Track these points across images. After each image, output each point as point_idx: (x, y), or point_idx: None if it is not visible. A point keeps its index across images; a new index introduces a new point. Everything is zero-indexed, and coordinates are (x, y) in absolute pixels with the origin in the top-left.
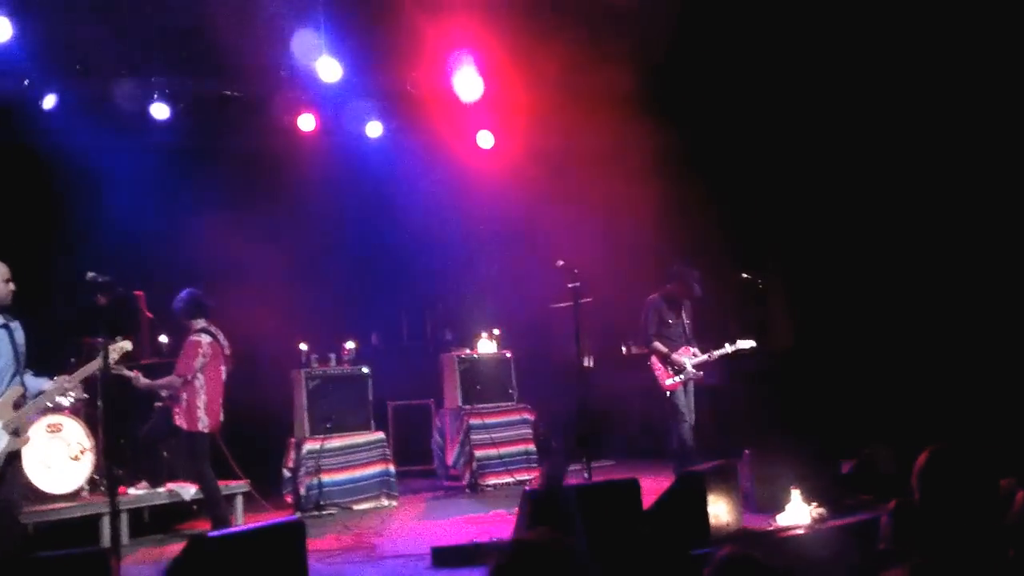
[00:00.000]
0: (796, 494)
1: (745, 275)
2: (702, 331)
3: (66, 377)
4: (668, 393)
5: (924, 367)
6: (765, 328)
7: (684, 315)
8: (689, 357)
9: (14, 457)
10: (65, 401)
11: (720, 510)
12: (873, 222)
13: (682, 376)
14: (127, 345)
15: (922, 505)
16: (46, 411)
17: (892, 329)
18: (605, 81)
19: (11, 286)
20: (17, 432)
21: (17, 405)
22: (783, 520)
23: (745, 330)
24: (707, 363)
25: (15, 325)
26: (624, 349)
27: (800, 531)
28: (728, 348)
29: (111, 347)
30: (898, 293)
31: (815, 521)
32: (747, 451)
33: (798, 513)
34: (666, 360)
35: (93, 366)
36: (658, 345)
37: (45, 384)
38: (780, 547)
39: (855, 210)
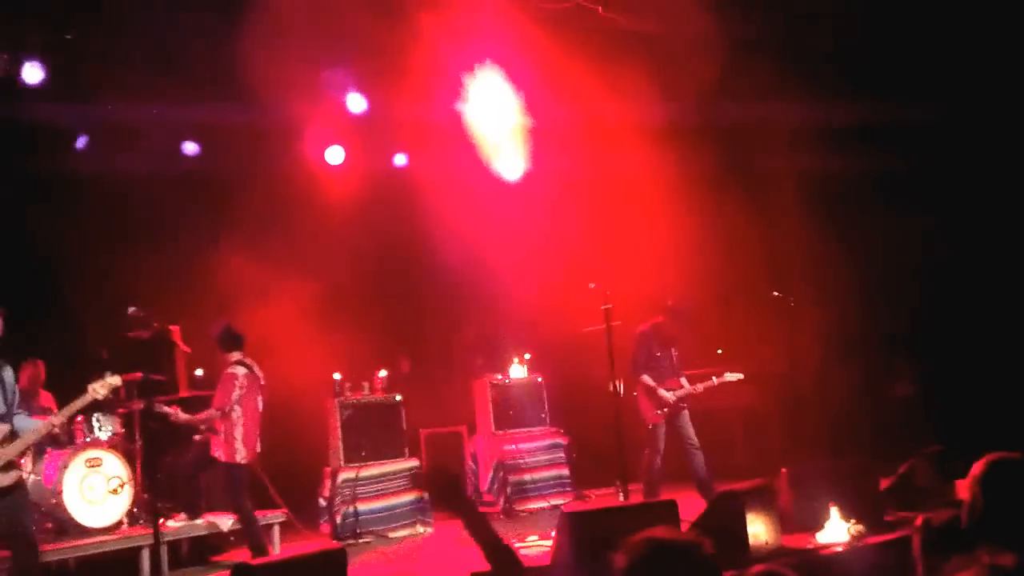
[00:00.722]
0: (835, 511)
1: (776, 293)
2: (727, 347)
3: (55, 415)
4: (650, 425)
5: (964, 380)
6: (795, 347)
7: (673, 349)
8: (675, 390)
9: (12, 491)
10: (103, 435)
11: (759, 529)
12: (903, 239)
13: (665, 411)
14: (116, 380)
15: (972, 513)
16: (85, 446)
17: (929, 343)
18: (636, 103)
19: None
20: (6, 468)
21: (5, 442)
22: (822, 538)
23: (774, 348)
24: (692, 395)
25: (6, 368)
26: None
27: (839, 548)
28: (715, 380)
29: (100, 383)
30: (936, 306)
31: (854, 538)
32: (784, 469)
33: (837, 531)
34: (651, 394)
35: (80, 404)
36: (646, 379)
37: (36, 423)
38: (819, 565)
39: (886, 227)
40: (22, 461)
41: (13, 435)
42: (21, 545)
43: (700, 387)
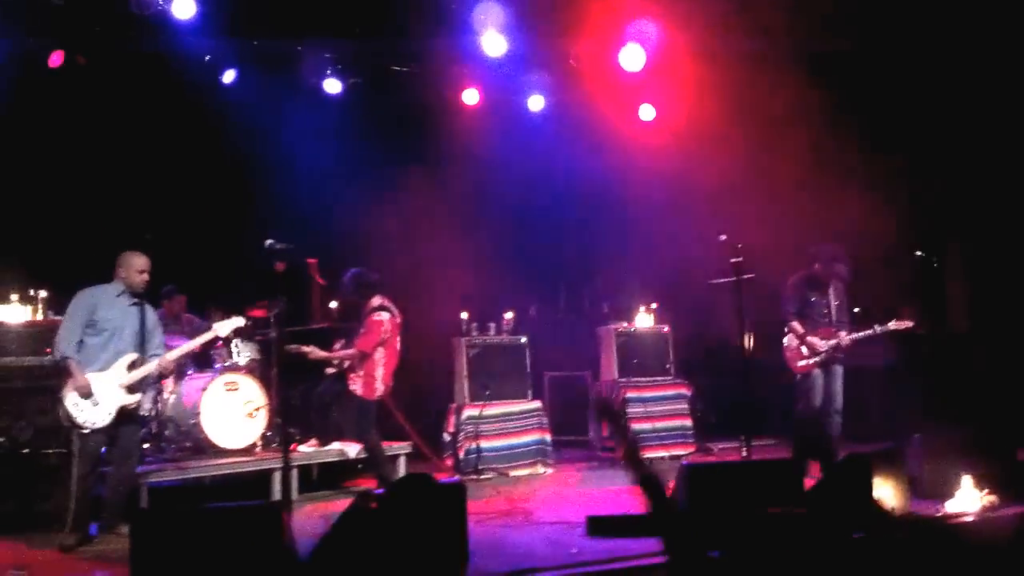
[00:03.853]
0: (967, 480)
1: (919, 253)
2: (869, 312)
3: (168, 356)
4: (798, 376)
5: None
6: (942, 310)
7: (831, 295)
8: (829, 339)
9: (128, 414)
10: (242, 360)
11: (886, 494)
12: None
13: (815, 359)
14: (240, 321)
15: None
16: (224, 370)
17: None
18: (771, 47)
19: (145, 276)
20: (131, 390)
21: (132, 367)
22: (951, 507)
23: (919, 312)
24: (852, 345)
25: (149, 310)
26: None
27: (969, 518)
28: (877, 329)
29: (225, 323)
30: None
31: (985, 509)
32: (917, 435)
33: (968, 500)
34: (801, 340)
35: (201, 340)
36: (795, 324)
37: (156, 359)
38: (946, 533)
39: None
40: (164, 382)
41: (136, 364)
42: (127, 461)
43: (860, 335)
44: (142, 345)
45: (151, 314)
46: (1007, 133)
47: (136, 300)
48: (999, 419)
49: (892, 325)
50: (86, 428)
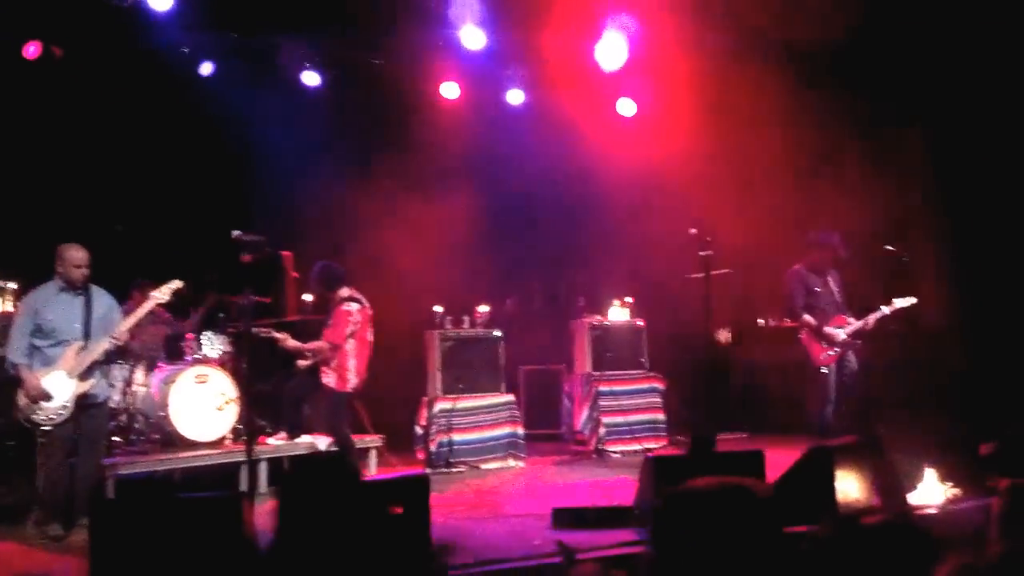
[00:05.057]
0: (931, 473)
1: (888, 247)
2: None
3: (119, 330)
4: (823, 369)
5: None
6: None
7: (832, 283)
8: (843, 327)
9: (91, 403)
10: (212, 353)
11: (849, 487)
12: None
13: (837, 349)
14: (177, 283)
15: None
16: (195, 363)
17: None
18: (749, 42)
19: (83, 271)
20: (84, 376)
21: (79, 353)
22: (915, 499)
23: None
24: (864, 330)
25: (99, 297)
26: (761, 322)
27: (932, 510)
28: (885, 309)
29: (161, 288)
30: None
31: (948, 501)
32: (882, 429)
33: (931, 492)
34: (818, 333)
35: (144, 310)
36: (807, 318)
37: (104, 337)
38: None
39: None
40: (134, 375)
41: (85, 348)
42: (93, 450)
43: (872, 318)
44: (89, 333)
45: (101, 299)
46: (983, 127)
47: (79, 293)
48: (963, 414)
49: (898, 303)
50: (47, 426)
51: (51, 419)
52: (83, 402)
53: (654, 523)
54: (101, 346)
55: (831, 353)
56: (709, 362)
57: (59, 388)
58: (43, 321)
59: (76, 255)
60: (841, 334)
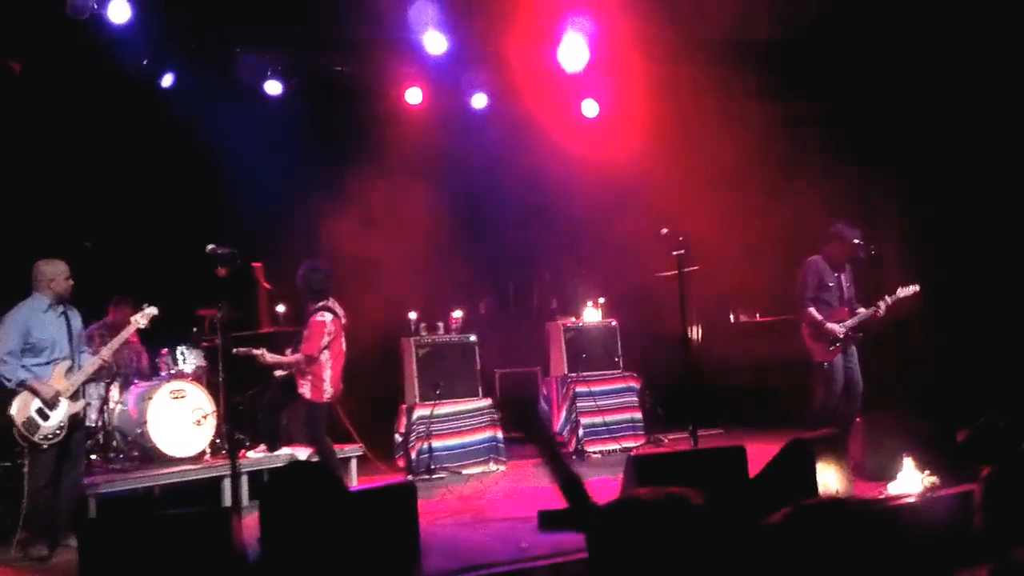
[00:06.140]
0: (908, 462)
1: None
2: None
3: (103, 349)
4: (825, 364)
5: None
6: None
7: (844, 278)
8: (844, 322)
9: (77, 422)
10: (187, 368)
11: (829, 478)
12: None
13: (838, 344)
14: (153, 310)
15: None
16: (170, 378)
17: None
18: (715, 42)
19: (70, 282)
20: (75, 396)
21: (69, 373)
22: (894, 488)
23: (863, 299)
24: (869, 322)
25: (73, 313)
26: (733, 317)
27: (910, 499)
28: (888, 299)
29: (140, 314)
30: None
31: (927, 490)
32: (859, 419)
33: (910, 482)
34: (818, 330)
35: (124, 335)
36: (812, 312)
37: (93, 358)
38: (889, 515)
39: (984, 168)
40: (110, 392)
41: (73, 369)
42: (75, 469)
43: (881, 308)
44: (73, 352)
45: (75, 316)
46: (951, 128)
47: (62, 309)
48: (940, 403)
49: (901, 292)
50: (44, 444)
51: (48, 438)
52: (73, 422)
53: (590, 534)
54: (92, 366)
55: (831, 348)
56: (683, 359)
57: (55, 408)
58: (35, 340)
59: (62, 268)
60: (842, 329)
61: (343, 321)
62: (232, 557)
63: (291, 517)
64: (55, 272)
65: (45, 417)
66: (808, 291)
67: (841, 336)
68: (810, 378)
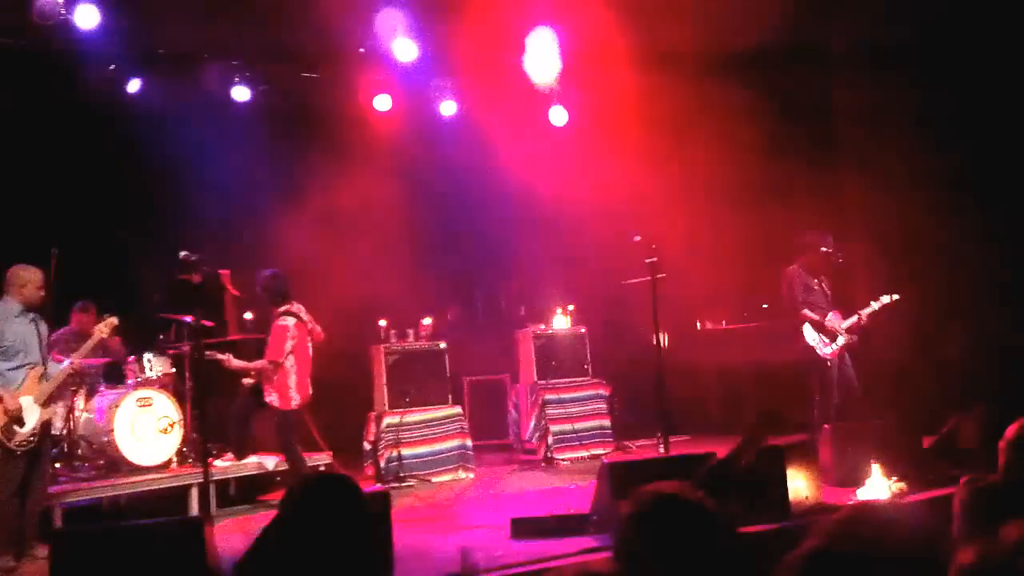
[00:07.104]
0: (876, 468)
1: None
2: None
3: (73, 357)
4: (828, 363)
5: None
6: (851, 303)
7: (824, 284)
8: (839, 321)
9: (47, 430)
10: (154, 375)
11: (799, 484)
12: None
13: (839, 343)
14: (114, 320)
15: (1007, 477)
16: (137, 386)
17: (977, 303)
18: (682, 49)
19: (42, 292)
20: (47, 403)
21: (41, 380)
22: (862, 495)
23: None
24: (858, 325)
25: (40, 321)
26: (699, 325)
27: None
28: (875, 305)
29: (102, 324)
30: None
31: (895, 496)
32: (827, 425)
33: (878, 488)
34: (820, 329)
35: (90, 344)
36: (809, 313)
37: (61, 366)
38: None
39: (944, 177)
40: (75, 400)
41: (44, 377)
42: (41, 479)
43: (864, 314)
44: (44, 358)
45: (42, 323)
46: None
47: (32, 316)
48: (907, 410)
49: (885, 299)
50: (19, 451)
51: (21, 446)
52: (45, 429)
53: (624, 527)
54: (63, 373)
55: (835, 347)
56: (652, 366)
57: (29, 414)
58: (9, 343)
59: (37, 276)
60: (841, 327)
61: (309, 326)
62: (206, 569)
63: (317, 529)
64: (29, 278)
65: (21, 424)
66: (798, 297)
67: (842, 333)
68: (808, 378)
